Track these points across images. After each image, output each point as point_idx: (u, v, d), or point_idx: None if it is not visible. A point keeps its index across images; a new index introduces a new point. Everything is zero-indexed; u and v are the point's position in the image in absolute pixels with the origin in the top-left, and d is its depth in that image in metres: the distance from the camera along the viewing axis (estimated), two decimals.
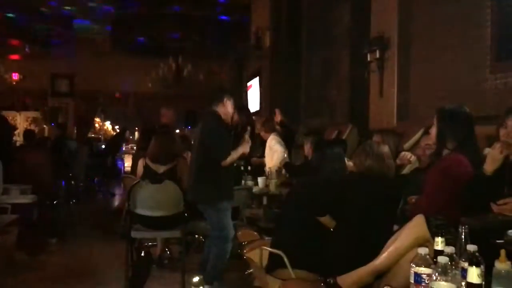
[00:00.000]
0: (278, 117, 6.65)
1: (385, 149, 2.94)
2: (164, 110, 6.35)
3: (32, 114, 14.84)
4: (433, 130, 2.87)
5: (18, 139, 11.82)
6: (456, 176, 2.58)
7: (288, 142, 6.39)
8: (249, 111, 8.00)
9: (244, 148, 4.02)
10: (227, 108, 4.06)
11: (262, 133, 6.03)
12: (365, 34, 5.99)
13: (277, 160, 5.59)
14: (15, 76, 14.30)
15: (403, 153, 3.71)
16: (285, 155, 5.67)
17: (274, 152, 5.69)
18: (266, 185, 5.10)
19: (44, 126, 14.32)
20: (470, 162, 2.57)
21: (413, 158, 3.64)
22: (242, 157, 4.25)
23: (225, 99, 4.04)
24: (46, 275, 4.60)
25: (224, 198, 3.95)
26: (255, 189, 5.02)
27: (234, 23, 12.73)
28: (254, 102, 11.04)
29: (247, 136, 4.11)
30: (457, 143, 2.72)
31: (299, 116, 8.70)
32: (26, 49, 13.72)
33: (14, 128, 12.80)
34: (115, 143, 12.65)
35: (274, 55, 9.66)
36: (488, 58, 4.05)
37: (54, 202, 7.95)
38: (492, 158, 2.39)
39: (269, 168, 5.58)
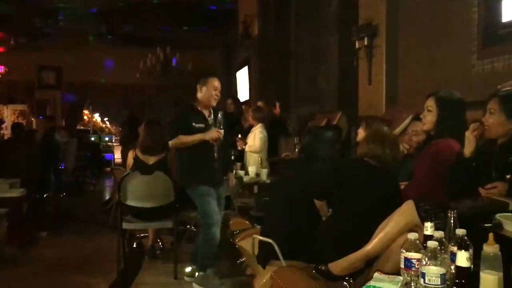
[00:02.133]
0: (277, 110, 6.84)
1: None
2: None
3: (19, 107, 14.66)
4: (428, 117, 2.83)
5: (6, 132, 11.71)
6: (446, 160, 2.59)
7: (281, 132, 6.46)
8: (239, 100, 8.03)
9: (208, 135, 3.94)
10: (202, 92, 4.07)
11: (251, 121, 6.09)
12: (354, 21, 5.97)
13: (259, 146, 5.81)
14: (1, 69, 14.09)
15: None
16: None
17: (256, 139, 5.90)
18: (257, 174, 5.12)
19: (32, 119, 14.17)
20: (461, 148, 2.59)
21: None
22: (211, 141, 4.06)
23: (199, 86, 4.09)
24: (37, 269, 4.59)
25: (200, 182, 3.97)
26: (245, 178, 5.03)
27: (222, 11, 12.63)
28: (243, 91, 11.02)
29: (219, 125, 4.08)
30: (453, 129, 2.73)
31: (289, 105, 8.69)
32: (11, 42, 13.50)
33: (2, 121, 12.69)
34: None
35: (262, 44, 9.61)
36: (475, 44, 4.07)
37: (44, 196, 7.92)
38: (467, 139, 2.44)
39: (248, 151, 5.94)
